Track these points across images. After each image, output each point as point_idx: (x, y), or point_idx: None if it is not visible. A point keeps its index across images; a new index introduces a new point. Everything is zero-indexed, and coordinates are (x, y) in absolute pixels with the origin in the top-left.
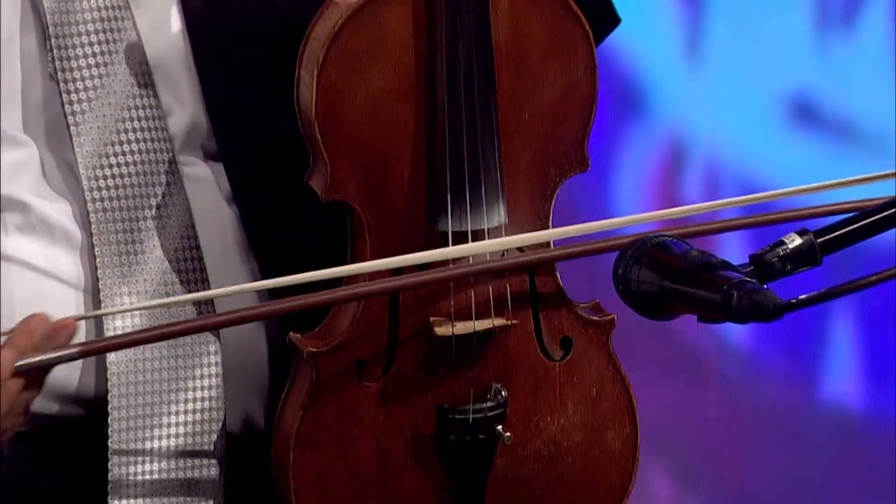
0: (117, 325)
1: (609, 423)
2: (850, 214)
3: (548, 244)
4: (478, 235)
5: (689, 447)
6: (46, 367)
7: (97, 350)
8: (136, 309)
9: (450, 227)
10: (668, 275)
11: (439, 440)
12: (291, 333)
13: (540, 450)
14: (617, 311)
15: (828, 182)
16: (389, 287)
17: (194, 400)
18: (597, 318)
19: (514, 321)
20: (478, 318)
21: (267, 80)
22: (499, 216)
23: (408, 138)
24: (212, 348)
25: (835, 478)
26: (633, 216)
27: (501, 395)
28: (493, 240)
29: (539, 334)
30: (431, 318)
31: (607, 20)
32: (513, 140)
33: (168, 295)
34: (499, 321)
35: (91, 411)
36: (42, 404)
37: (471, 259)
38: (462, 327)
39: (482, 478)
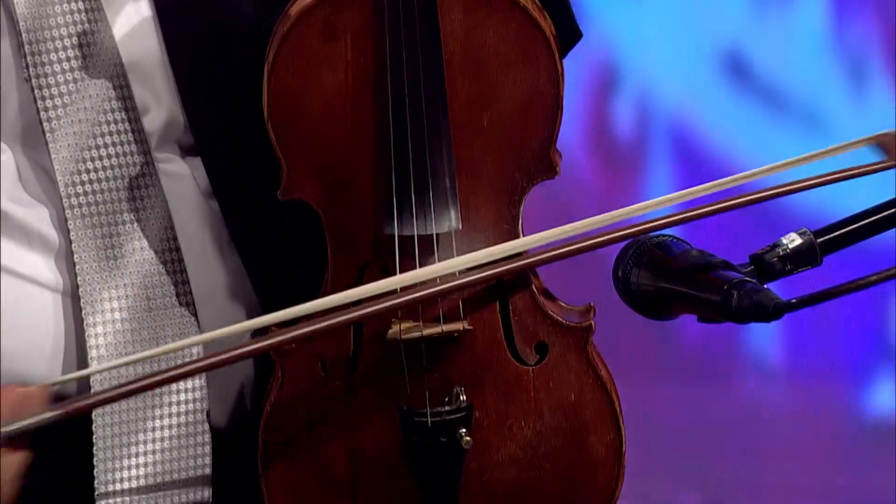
0: (98, 332)
1: (590, 429)
2: (850, 214)
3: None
4: (425, 241)
5: (688, 447)
6: (25, 433)
7: (78, 410)
8: (110, 367)
9: (396, 230)
10: (668, 275)
11: (403, 442)
12: (271, 329)
13: (515, 454)
14: (614, 310)
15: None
16: (347, 320)
17: (178, 403)
18: (573, 324)
19: (468, 326)
20: (430, 324)
21: (242, 75)
22: (450, 221)
23: (359, 141)
24: (194, 350)
25: (836, 478)
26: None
27: (462, 398)
28: (442, 263)
29: (510, 339)
30: (392, 321)
31: (569, 35)
32: (471, 146)
33: (148, 298)
34: (450, 326)
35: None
36: None
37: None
38: (410, 333)
39: (452, 482)
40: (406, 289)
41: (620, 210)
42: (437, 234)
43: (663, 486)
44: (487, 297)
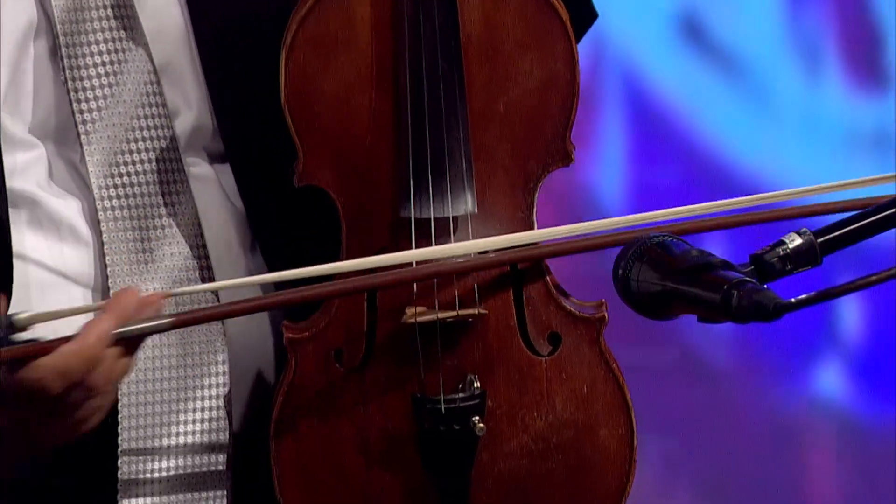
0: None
1: (602, 422)
2: (850, 214)
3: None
4: (441, 223)
5: (688, 447)
6: (141, 336)
7: (188, 321)
8: (229, 285)
9: (412, 213)
10: (668, 274)
11: (416, 430)
12: (284, 322)
13: (528, 445)
14: (614, 310)
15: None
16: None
17: (202, 409)
18: (587, 315)
19: (482, 311)
20: (442, 307)
21: (271, 78)
22: (465, 204)
23: (377, 125)
24: (220, 357)
25: (833, 477)
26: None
27: (475, 386)
28: (459, 243)
29: (524, 328)
30: (406, 308)
31: (585, 15)
32: (487, 131)
33: (175, 298)
34: (464, 311)
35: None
36: None
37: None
38: (425, 316)
39: (464, 471)
40: (422, 265)
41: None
42: (453, 217)
43: (663, 485)
44: (502, 285)
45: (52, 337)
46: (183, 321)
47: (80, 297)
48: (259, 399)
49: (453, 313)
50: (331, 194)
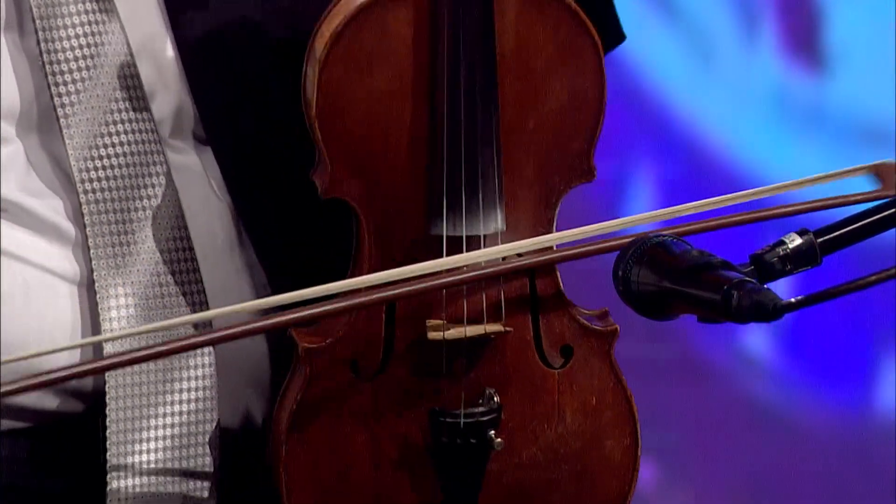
0: (112, 316)
1: (609, 432)
2: (850, 214)
3: (550, 249)
4: (473, 241)
5: (687, 447)
6: None
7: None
8: (70, 347)
9: (444, 231)
10: (668, 275)
11: (431, 443)
12: (291, 329)
13: (536, 456)
14: (620, 313)
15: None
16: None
17: (189, 390)
18: (599, 328)
19: (509, 328)
20: (471, 323)
21: (252, 65)
22: (496, 223)
23: (408, 140)
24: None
25: (834, 477)
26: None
27: (494, 400)
28: (486, 249)
29: (538, 341)
30: (427, 322)
31: (612, 36)
32: (517, 148)
33: (160, 285)
34: (492, 327)
35: (88, 407)
36: (41, 400)
37: (465, 267)
38: (454, 333)
39: (475, 483)
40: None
41: (649, 213)
42: (483, 236)
43: (663, 485)
44: (520, 298)
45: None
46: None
47: (66, 293)
48: (250, 388)
49: (481, 330)
50: (356, 208)
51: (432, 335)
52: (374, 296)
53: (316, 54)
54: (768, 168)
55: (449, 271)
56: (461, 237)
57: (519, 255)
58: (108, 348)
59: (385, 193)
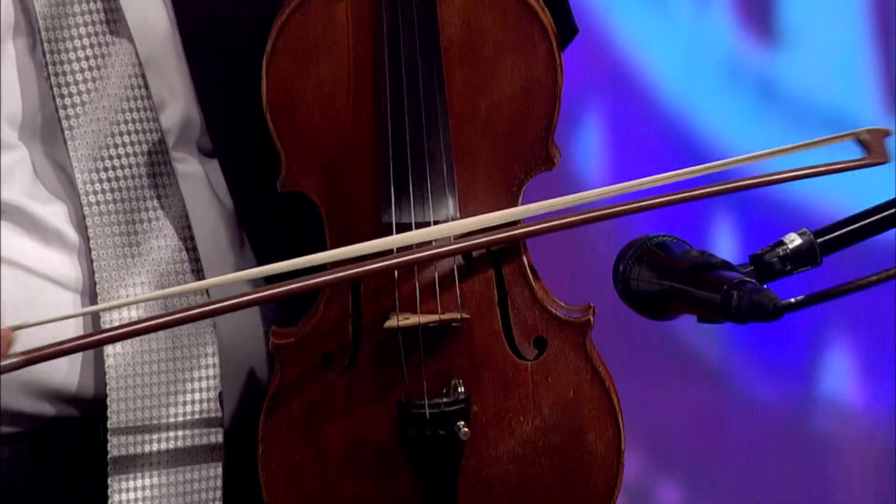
0: (113, 318)
1: (589, 425)
2: (850, 214)
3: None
4: (422, 229)
5: (688, 447)
6: None
7: (40, 358)
8: (95, 311)
9: (394, 218)
10: (668, 274)
11: (402, 435)
12: (272, 328)
13: (514, 450)
14: (614, 310)
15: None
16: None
17: (193, 402)
18: (572, 319)
19: (465, 315)
20: (424, 311)
21: (257, 73)
22: (447, 209)
23: (358, 130)
24: (210, 350)
25: (833, 477)
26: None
27: (459, 390)
28: (433, 227)
29: (509, 332)
30: (390, 313)
31: (565, 31)
32: (468, 135)
33: (164, 297)
34: (446, 315)
35: (89, 413)
36: (39, 406)
37: (413, 248)
38: (408, 321)
39: (451, 475)
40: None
41: (615, 186)
42: (434, 223)
43: (662, 485)
44: (486, 289)
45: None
46: (35, 358)
47: (69, 301)
48: (250, 398)
49: (435, 318)
50: (314, 200)
51: (387, 323)
52: (326, 278)
53: (267, 48)
54: (721, 132)
55: (399, 251)
56: (410, 224)
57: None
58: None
59: (339, 184)
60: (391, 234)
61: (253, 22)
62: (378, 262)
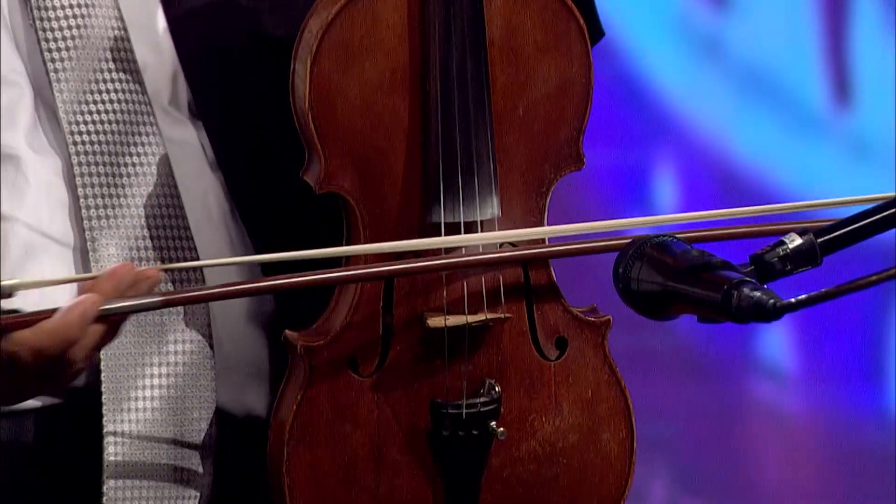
0: None
1: (604, 425)
2: (851, 214)
3: (542, 241)
4: (470, 227)
5: (687, 447)
6: (127, 314)
7: (178, 301)
8: (230, 263)
9: (442, 218)
10: (668, 274)
11: (433, 435)
12: (287, 331)
13: (535, 450)
14: (614, 314)
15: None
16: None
17: (182, 352)
18: (592, 319)
19: (508, 315)
20: (470, 311)
21: (244, 45)
22: (492, 209)
23: (401, 130)
24: (204, 332)
25: (833, 478)
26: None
27: (495, 390)
28: (488, 232)
29: (534, 333)
30: (425, 312)
31: (592, 33)
32: (508, 134)
33: (153, 248)
34: (491, 315)
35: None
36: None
37: (463, 250)
38: (454, 320)
39: (476, 475)
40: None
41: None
42: (480, 222)
43: (661, 486)
44: (515, 289)
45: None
46: (172, 301)
47: (59, 255)
48: (246, 385)
49: (482, 317)
50: (350, 202)
51: (433, 323)
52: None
53: (306, 49)
54: (672, 88)
55: (447, 252)
56: (459, 223)
57: (513, 244)
58: None
59: (380, 184)
60: (437, 234)
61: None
62: (430, 261)
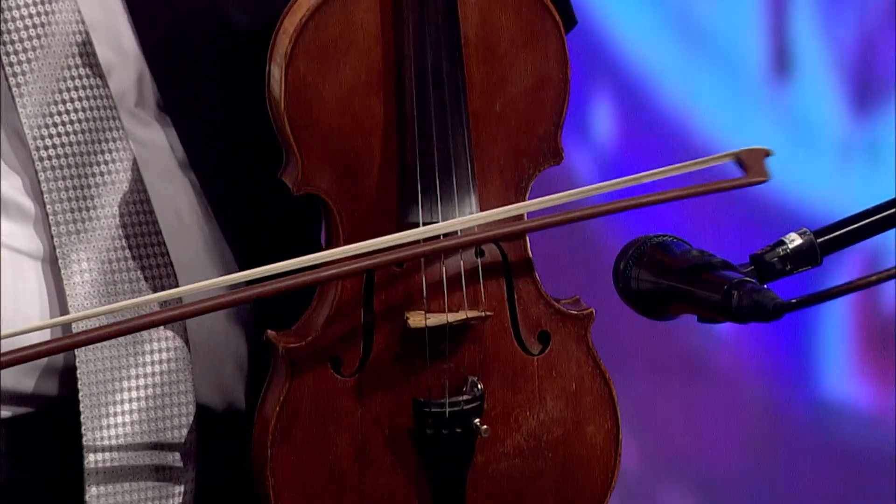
0: (77, 286)
1: (589, 417)
2: (851, 214)
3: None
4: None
5: (687, 447)
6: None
7: (83, 342)
8: (88, 315)
9: (420, 218)
10: (668, 274)
11: (416, 434)
12: (268, 331)
13: (520, 445)
14: (614, 310)
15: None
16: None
17: (160, 361)
18: (575, 312)
19: (488, 312)
20: (451, 308)
21: (210, 40)
22: (470, 207)
23: (378, 130)
24: (177, 330)
25: (833, 477)
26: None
27: (478, 388)
28: (464, 217)
29: (516, 328)
30: (406, 312)
31: (565, 21)
32: (485, 132)
33: (125, 258)
34: (472, 313)
35: (64, 385)
36: (21, 381)
37: (441, 237)
38: (435, 319)
39: (461, 473)
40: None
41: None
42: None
43: (661, 486)
44: (496, 284)
45: None
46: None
47: (32, 270)
48: (226, 376)
49: (462, 316)
50: (328, 203)
51: (414, 323)
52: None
53: (281, 51)
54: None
55: (426, 241)
56: (438, 223)
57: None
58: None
59: (358, 185)
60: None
61: None
62: (407, 249)
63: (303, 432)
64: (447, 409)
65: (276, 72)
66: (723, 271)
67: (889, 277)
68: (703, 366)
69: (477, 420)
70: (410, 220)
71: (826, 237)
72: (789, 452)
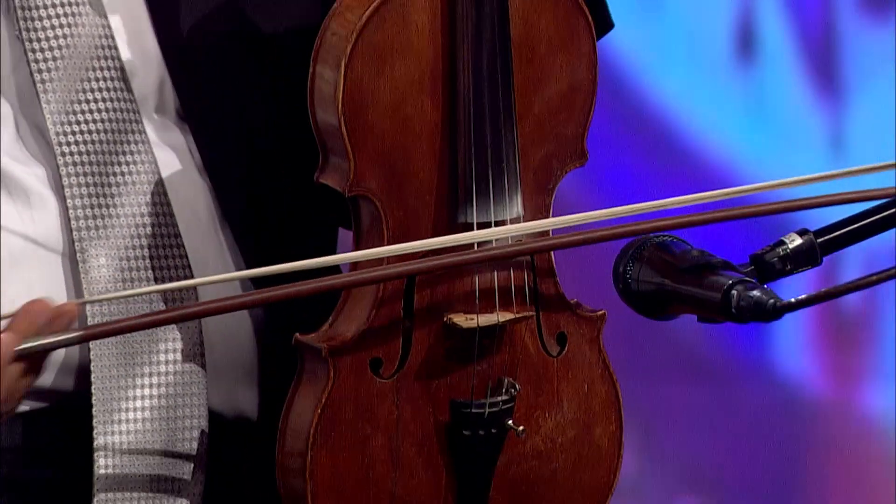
0: (93, 279)
1: (598, 419)
2: (851, 214)
3: (547, 234)
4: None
5: (687, 447)
6: (46, 351)
7: (98, 335)
8: (132, 294)
9: (474, 218)
10: (668, 274)
11: (451, 435)
12: (298, 335)
13: (538, 446)
14: (614, 310)
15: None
16: (405, 270)
17: (174, 361)
18: (589, 314)
19: (531, 312)
20: (491, 310)
21: (234, 55)
22: (517, 208)
23: (429, 131)
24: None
25: (833, 477)
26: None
27: (515, 387)
28: (516, 224)
29: (540, 329)
30: (450, 314)
31: (600, 24)
32: (525, 133)
33: (143, 257)
34: (520, 313)
35: (79, 382)
36: (41, 378)
37: (493, 242)
38: (485, 319)
39: (489, 473)
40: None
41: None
42: (509, 220)
43: (660, 486)
44: (524, 285)
45: None
46: (92, 335)
47: (49, 262)
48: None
49: (510, 316)
50: (376, 203)
51: (465, 324)
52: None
53: (334, 52)
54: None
55: (471, 247)
56: (489, 223)
57: (519, 240)
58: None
59: (408, 186)
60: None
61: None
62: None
63: (341, 435)
64: (487, 410)
65: (330, 73)
66: (723, 271)
67: (889, 277)
68: (704, 366)
69: (510, 421)
70: (463, 220)
71: (826, 237)
72: (790, 452)
